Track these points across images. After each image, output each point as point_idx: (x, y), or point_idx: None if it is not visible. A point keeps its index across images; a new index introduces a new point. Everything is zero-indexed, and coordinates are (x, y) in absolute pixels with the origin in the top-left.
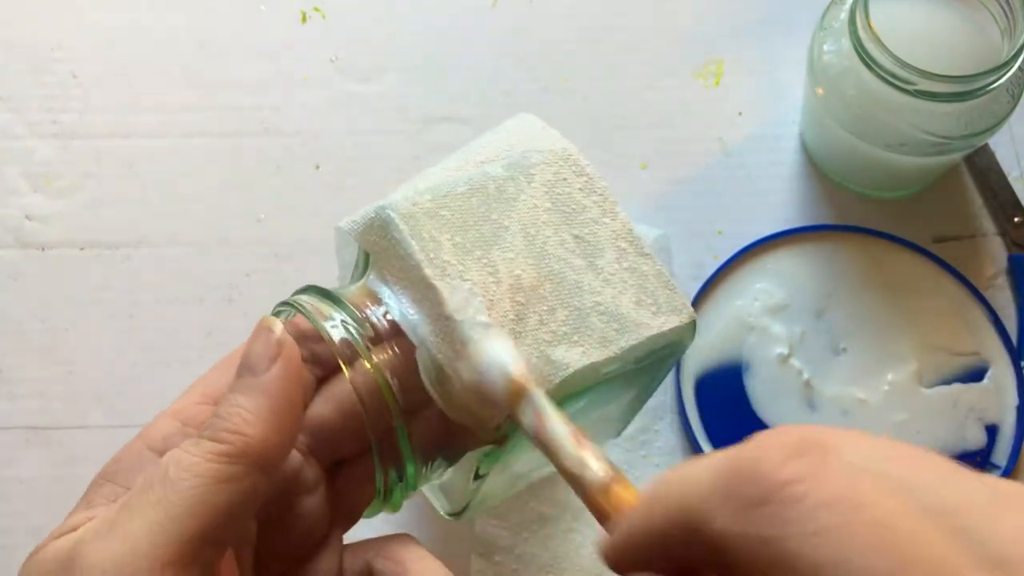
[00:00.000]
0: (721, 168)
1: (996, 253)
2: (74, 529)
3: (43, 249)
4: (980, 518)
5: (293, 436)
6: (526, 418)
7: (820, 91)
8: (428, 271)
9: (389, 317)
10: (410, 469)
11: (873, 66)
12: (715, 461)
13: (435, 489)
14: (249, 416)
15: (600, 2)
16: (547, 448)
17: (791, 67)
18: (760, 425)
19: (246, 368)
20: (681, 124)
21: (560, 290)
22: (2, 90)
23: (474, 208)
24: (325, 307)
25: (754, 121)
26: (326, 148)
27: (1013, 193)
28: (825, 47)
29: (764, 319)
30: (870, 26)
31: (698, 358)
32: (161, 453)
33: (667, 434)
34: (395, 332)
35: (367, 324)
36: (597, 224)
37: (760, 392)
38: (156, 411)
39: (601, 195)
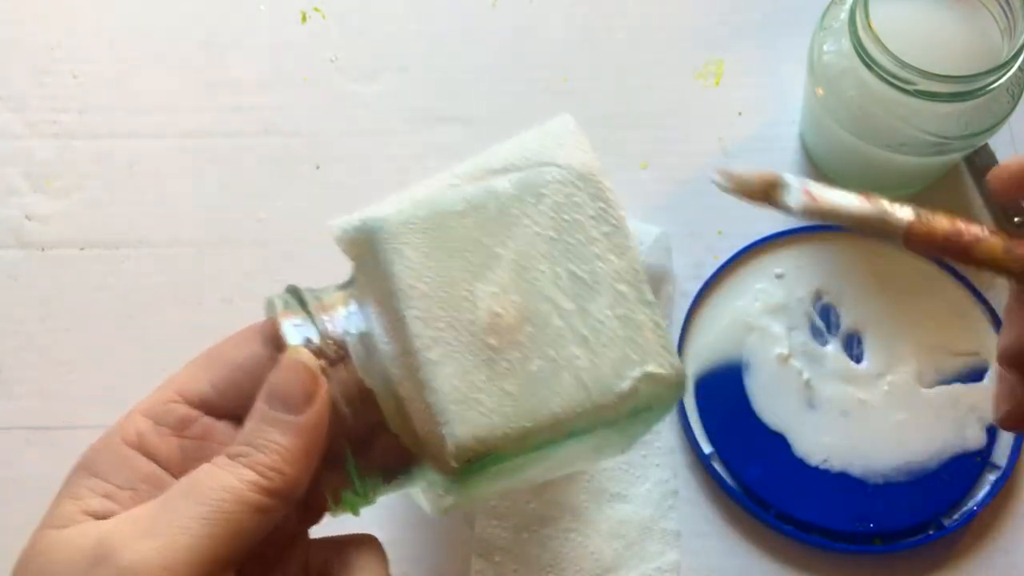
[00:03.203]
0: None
1: None
2: (74, 521)
3: (43, 249)
4: None
5: (316, 471)
6: (793, 201)
7: (820, 91)
8: (402, 304)
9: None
10: (357, 486)
11: (873, 66)
12: None
13: (417, 494)
14: (288, 455)
15: (600, 2)
16: (835, 214)
17: (791, 67)
18: (760, 425)
19: (281, 403)
20: (681, 124)
21: (539, 337)
22: (2, 90)
23: (468, 231)
24: (297, 312)
25: (754, 121)
26: (326, 148)
27: None
28: (825, 47)
29: (764, 319)
30: (870, 26)
31: (698, 358)
32: (138, 449)
33: (667, 434)
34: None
35: (329, 341)
36: (601, 260)
37: (760, 392)
38: None
39: (614, 226)
